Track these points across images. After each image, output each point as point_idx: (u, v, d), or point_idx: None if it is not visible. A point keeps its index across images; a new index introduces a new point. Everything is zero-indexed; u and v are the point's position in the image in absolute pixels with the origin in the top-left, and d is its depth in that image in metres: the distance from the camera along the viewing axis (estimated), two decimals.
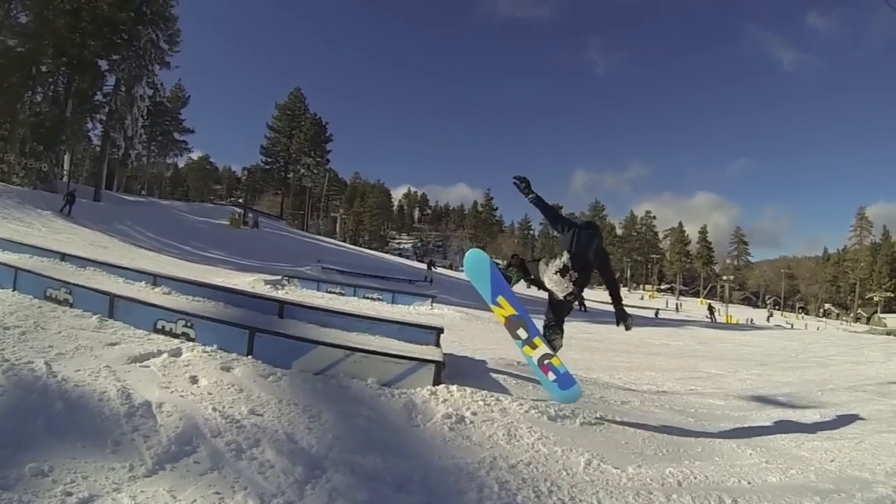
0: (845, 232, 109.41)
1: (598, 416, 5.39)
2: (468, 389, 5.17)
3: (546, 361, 5.22)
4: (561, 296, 5.22)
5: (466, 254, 5.79)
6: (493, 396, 5.18)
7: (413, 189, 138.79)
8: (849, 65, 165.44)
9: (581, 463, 4.14)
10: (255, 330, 5.35)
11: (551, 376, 5.23)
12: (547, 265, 5.23)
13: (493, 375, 6.14)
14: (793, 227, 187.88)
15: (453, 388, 5.15)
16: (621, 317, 5.30)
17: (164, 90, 59.12)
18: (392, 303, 17.64)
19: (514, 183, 5.21)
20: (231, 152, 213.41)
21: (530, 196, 5.23)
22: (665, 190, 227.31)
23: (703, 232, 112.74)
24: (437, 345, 6.46)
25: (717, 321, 47.10)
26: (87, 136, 47.02)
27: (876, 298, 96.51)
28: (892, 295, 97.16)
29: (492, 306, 5.46)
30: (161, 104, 62.84)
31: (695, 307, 70.29)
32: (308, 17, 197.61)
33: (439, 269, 48.93)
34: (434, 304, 17.94)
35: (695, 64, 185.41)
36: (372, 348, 5.39)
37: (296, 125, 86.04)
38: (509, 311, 5.31)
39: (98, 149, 47.97)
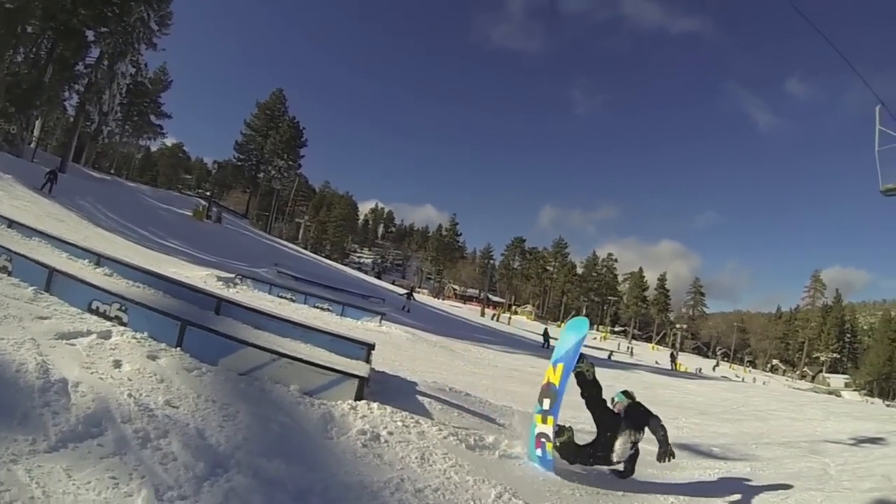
0: (800, 292, 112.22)
1: (518, 450, 5.47)
2: (389, 408, 5.23)
3: (543, 439, 5.32)
4: (615, 459, 5.30)
5: (578, 318, 6.12)
6: (413, 418, 5.25)
7: (381, 205, 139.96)
8: (821, 132, 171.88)
9: (491, 495, 4.20)
10: (187, 323, 5.35)
11: (538, 451, 5.33)
12: (629, 435, 5.25)
13: (420, 398, 6.18)
14: (750, 283, 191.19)
15: (374, 405, 5.21)
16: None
17: (148, 71, 57.83)
18: (341, 315, 17.48)
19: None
20: (205, 144, 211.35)
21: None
22: (630, 234, 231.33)
23: (663, 279, 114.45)
24: (367, 361, 6.50)
25: (674, 370, 47.63)
26: (62, 104, 45.75)
27: (822, 358, 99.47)
28: (838, 356, 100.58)
29: (550, 364, 5.60)
30: (142, 85, 61.40)
31: (647, 352, 70.98)
32: (301, 23, 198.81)
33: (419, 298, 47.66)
34: (383, 322, 17.84)
35: (674, 115, 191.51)
36: (299, 356, 5.41)
37: (273, 126, 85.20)
38: (555, 379, 5.41)
39: (71, 119, 46.97)
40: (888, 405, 55.46)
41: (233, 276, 18.69)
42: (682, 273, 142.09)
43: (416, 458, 4.52)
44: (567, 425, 5.60)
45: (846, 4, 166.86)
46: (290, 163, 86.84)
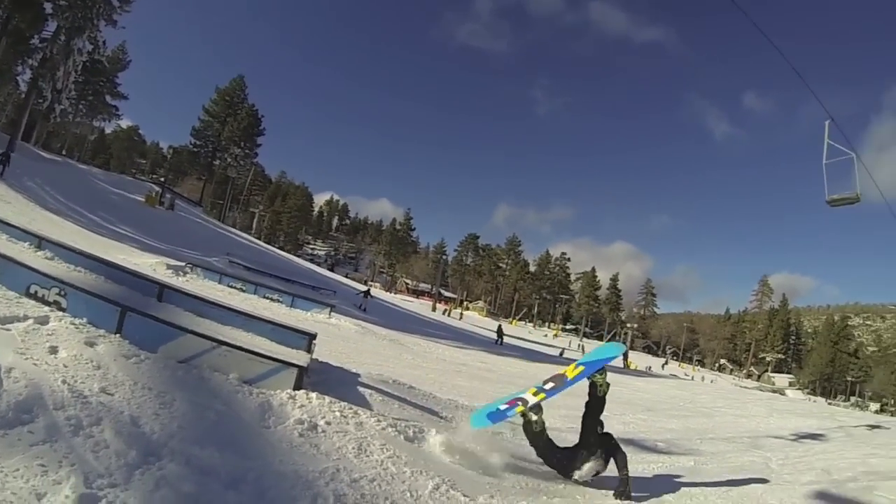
0: (748, 295, 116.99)
1: (457, 442, 5.53)
2: (328, 398, 5.26)
3: (519, 402, 5.51)
4: (575, 477, 5.42)
5: (617, 343, 6.45)
6: (351, 409, 5.29)
7: (336, 197, 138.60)
8: (774, 144, 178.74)
9: (429, 486, 4.26)
10: (127, 309, 5.31)
11: (502, 406, 5.54)
12: (598, 463, 5.36)
13: (361, 389, 6.24)
14: (700, 286, 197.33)
15: (313, 395, 5.24)
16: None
17: (106, 49, 56.08)
18: (291, 306, 17.54)
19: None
20: (162, 128, 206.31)
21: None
22: (584, 234, 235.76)
23: (615, 279, 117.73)
24: (309, 350, 6.55)
25: (625, 368, 48.43)
26: (14, 79, 44.24)
27: (768, 359, 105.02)
28: (783, 357, 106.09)
29: (575, 363, 5.96)
30: (99, 63, 59.39)
31: None
32: (263, 10, 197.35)
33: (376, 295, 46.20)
34: (333, 314, 17.85)
35: (633, 120, 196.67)
36: (238, 343, 5.42)
37: (231, 113, 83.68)
38: (570, 375, 5.72)
39: (23, 96, 45.40)
40: (829, 403, 57.97)
41: (183, 264, 18.49)
42: (634, 274, 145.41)
43: (353, 448, 4.56)
44: (546, 424, 5.74)
45: (803, 23, 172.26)
46: (247, 151, 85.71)
